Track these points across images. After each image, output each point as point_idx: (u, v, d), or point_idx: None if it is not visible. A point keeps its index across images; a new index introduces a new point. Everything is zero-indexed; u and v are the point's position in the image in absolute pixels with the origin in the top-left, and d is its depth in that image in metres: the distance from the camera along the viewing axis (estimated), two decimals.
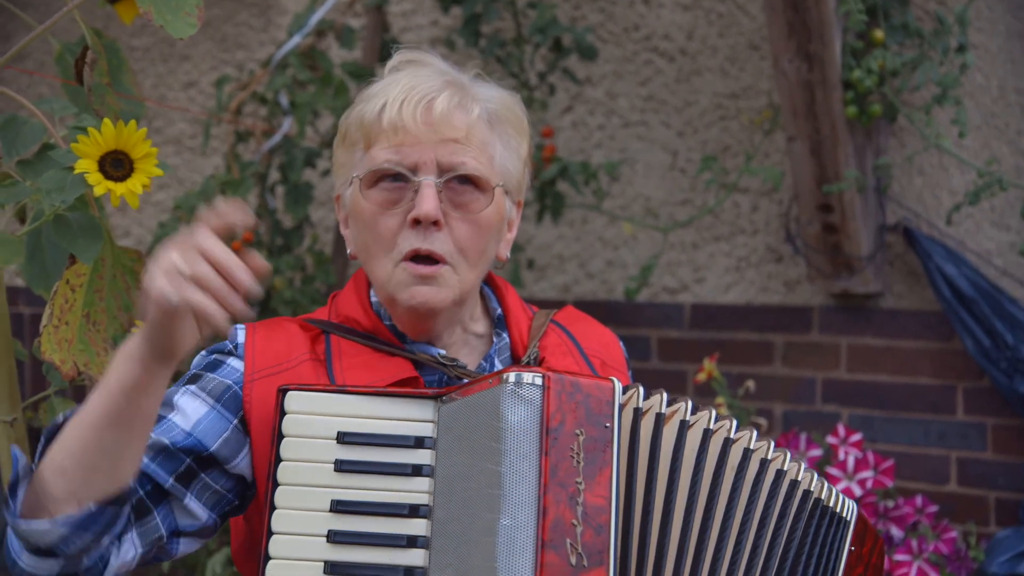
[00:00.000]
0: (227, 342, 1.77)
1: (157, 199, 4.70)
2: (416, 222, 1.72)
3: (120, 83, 2.22)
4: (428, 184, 1.72)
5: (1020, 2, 3.53)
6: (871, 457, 3.18)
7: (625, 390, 1.63)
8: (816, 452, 3.23)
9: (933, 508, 3.23)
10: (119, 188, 1.74)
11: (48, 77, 4.25)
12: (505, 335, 1.87)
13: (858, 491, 3.12)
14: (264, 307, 3.83)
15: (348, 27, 3.93)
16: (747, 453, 1.69)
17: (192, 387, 1.74)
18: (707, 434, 1.66)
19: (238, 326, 1.78)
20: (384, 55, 1.89)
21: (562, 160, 3.69)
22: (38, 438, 1.60)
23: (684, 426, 1.65)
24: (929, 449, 3.58)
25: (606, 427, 1.58)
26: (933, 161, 3.59)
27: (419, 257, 1.73)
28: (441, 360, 1.77)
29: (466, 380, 1.74)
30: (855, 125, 3.47)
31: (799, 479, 1.73)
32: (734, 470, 1.68)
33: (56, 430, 1.59)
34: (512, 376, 1.57)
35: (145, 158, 1.76)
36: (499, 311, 1.90)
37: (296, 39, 3.92)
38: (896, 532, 3.16)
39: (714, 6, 3.88)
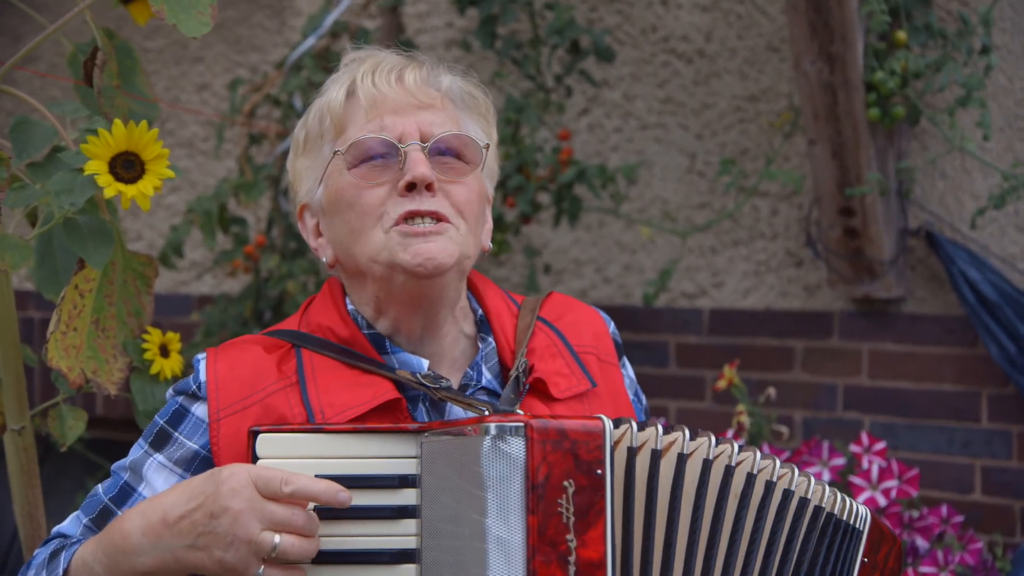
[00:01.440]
0: (190, 380, 1.70)
1: (169, 202, 4.67)
2: (409, 188, 1.66)
3: (133, 84, 2.18)
4: (416, 148, 1.68)
5: None
6: (895, 466, 3.13)
7: (617, 424, 1.53)
8: (839, 461, 3.16)
9: (959, 518, 3.17)
10: (130, 190, 1.70)
11: (60, 79, 4.23)
12: (490, 339, 1.78)
13: (883, 501, 3.05)
14: (276, 312, 3.79)
15: (363, 28, 3.89)
16: (751, 478, 1.61)
17: (160, 457, 1.68)
18: (707, 464, 1.58)
19: (199, 356, 1.71)
20: None
21: (579, 163, 3.65)
22: (46, 446, 1.57)
23: (682, 459, 1.56)
24: (953, 457, 3.52)
25: (597, 474, 1.47)
26: (956, 164, 3.54)
27: (415, 220, 1.66)
28: (423, 380, 1.66)
29: (448, 404, 1.68)
30: (877, 127, 3.41)
31: (808, 496, 1.65)
32: (737, 498, 1.60)
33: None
34: (492, 428, 1.47)
35: (157, 159, 1.72)
36: (480, 312, 1.82)
37: (310, 41, 3.89)
38: (921, 543, 3.10)
39: (733, 7, 3.84)
